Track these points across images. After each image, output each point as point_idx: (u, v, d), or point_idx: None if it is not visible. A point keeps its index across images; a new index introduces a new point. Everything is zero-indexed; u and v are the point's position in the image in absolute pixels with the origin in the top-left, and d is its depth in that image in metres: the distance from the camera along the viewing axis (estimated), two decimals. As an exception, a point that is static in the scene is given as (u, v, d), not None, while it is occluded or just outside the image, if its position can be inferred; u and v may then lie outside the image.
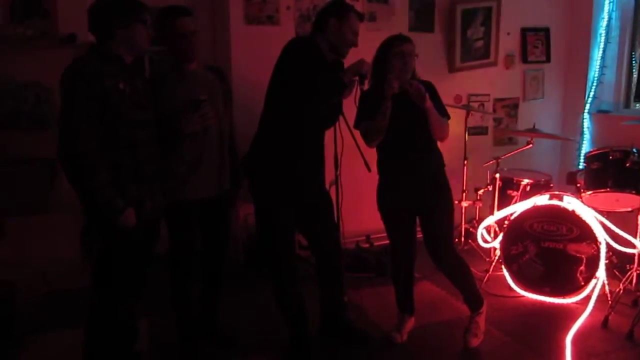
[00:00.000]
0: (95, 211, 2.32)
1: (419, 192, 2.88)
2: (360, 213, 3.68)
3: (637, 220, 3.48)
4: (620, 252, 3.66)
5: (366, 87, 2.71)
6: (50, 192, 3.54)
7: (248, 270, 4.01)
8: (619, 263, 3.75)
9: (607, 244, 3.46)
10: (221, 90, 2.80)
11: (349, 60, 2.73)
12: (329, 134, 3.03)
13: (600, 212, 3.57)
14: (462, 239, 4.39)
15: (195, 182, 2.68)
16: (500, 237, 3.68)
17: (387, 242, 3.10)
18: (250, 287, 3.76)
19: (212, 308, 3.04)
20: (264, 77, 2.76)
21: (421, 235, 2.96)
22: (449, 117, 2.91)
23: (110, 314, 2.48)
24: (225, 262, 3.00)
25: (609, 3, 4.70)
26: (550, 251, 3.47)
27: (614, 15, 4.72)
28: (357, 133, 2.95)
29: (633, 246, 3.52)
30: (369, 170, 2.89)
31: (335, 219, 3.24)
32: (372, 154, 2.97)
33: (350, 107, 2.88)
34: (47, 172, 3.52)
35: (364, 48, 2.80)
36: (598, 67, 4.80)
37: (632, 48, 4.78)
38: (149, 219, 2.45)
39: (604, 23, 4.73)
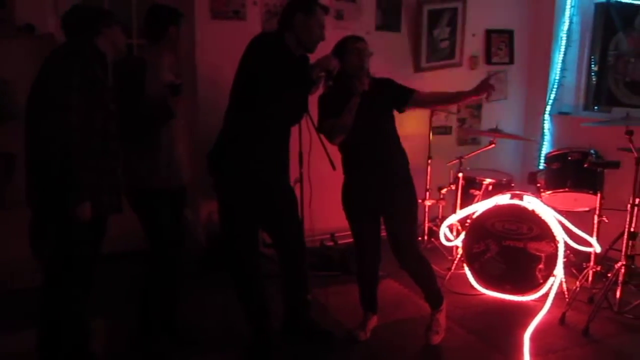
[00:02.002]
0: (49, 203, 2.30)
1: (383, 191, 2.89)
2: (325, 211, 3.67)
3: (593, 219, 3.58)
4: (578, 250, 3.75)
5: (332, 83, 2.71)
6: (7, 187, 3.42)
7: (208, 269, 3.95)
8: (577, 261, 3.85)
9: (565, 243, 3.54)
10: None
11: (315, 56, 2.71)
12: (294, 132, 3.02)
13: (559, 212, 3.66)
14: (426, 238, 4.43)
15: (169, 170, 2.74)
16: (462, 236, 3.72)
17: (352, 240, 3.10)
18: (210, 285, 3.70)
19: (172, 305, 3.00)
20: (229, 73, 2.72)
21: (384, 233, 2.98)
22: (413, 90, 2.90)
23: (63, 315, 2.43)
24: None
25: (570, 8, 4.81)
26: (511, 250, 3.54)
27: (574, 19, 4.84)
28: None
29: (590, 245, 3.62)
30: (334, 168, 2.88)
31: (300, 216, 3.22)
32: (338, 152, 2.97)
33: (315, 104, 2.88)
34: (3, 165, 3.41)
35: (332, 46, 2.80)
36: (559, 70, 4.91)
37: (592, 52, 4.91)
38: (102, 215, 2.42)
39: (565, 27, 4.84)
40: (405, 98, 2.88)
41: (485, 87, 2.80)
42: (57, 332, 2.44)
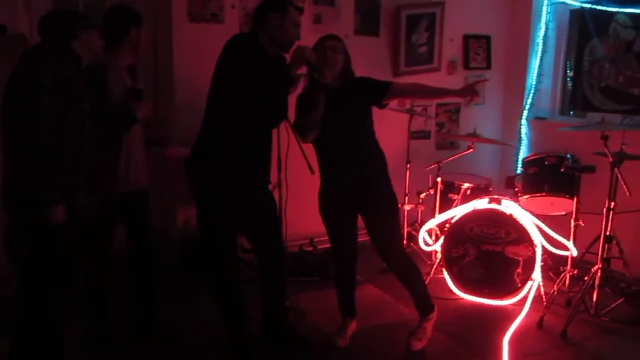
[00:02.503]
0: (22, 206, 2.26)
1: (359, 190, 2.86)
2: (304, 216, 3.65)
3: (570, 223, 3.61)
4: (555, 254, 3.78)
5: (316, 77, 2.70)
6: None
7: (185, 274, 3.89)
8: (554, 265, 3.88)
9: (543, 247, 3.56)
10: None
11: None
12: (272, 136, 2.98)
13: (537, 216, 3.68)
14: (405, 242, 4.43)
15: (130, 174, 2.78)
16: (441, 240, 3.73)
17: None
18: (187, 291, 3.65)
19: (151, 307, 3.03)
20: (207, 76, 2.69)
21: (363, 238, 2.96)
22: (390, 83, 2.88)
23: (38, 322, 2.35)
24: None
25: (547, 14, 4.86)
26: (489, 254, 3.55)
27: (550, 25, 4.90)
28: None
29: (567, 249, 3.65)
30: (312, 172, 2.86)
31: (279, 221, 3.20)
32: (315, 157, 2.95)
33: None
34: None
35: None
36: (536, 75, 4.96)
37: (567, 57, 4.97)
38: (79, 218, 2.37)
39: (542, 33, 4.89)
40: (382, 92, 2.83)
41: (470, 92, 2.81)
42: (30, 340, 2.38)
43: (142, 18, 2.80)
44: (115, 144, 2.71)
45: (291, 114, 2.87)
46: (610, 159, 3.25)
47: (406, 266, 3.00)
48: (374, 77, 2.91)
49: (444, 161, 4.20)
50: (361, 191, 2.86)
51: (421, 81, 4.69)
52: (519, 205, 3.69)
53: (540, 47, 4.90)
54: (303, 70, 2.68)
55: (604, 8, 4.48)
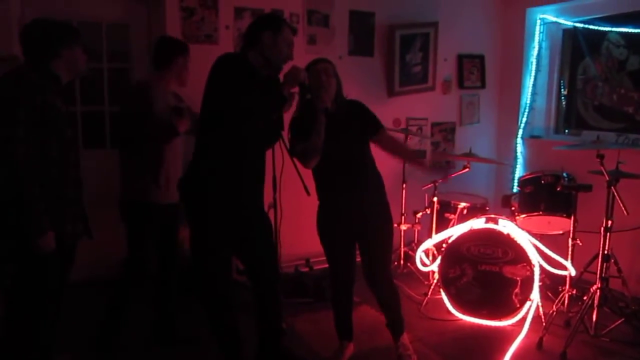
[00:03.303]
0: (8, 234, 2.21)
1: (358, 214, 2.84)
2: (300, 236, 3.61)
3: (568, 242, 3.58)
4: (553, 274, 3.75)
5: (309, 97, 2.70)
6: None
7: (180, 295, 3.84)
8: (552, 285, 3.85)
9: (541, 266, 3.53)
10: None
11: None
12: (267, 156, 2.96)
13: (534, 235, 3.66)
14: (402, 262, 4.40)
15: (170, 187, 2.94)
16: (438, 261, 3.69)
17: (327, 265, 3.04)
18: (183, 311, 3.59)
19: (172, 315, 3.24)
20: (201, 96, 2.66)
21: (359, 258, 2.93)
22: (382, 126, 2.90)
23: (24, 348, 2.30)
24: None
25: (540, 33, 4.91)
26: (486, 274, 3.51)
27: (544, 44, 4.94)
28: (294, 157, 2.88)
29: (565, 268, 3.62)
30: (308, 194, 2.83)
31: (274, 242, 3.16)
32: (311, 177, 2.92)
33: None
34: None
35: (304, 71, 2.77)
36: (530, 93, 4.98)
37: (561, 76, 5.00)
38: (67, 245, 2.33)
39: (535, 52, 4.93)
40: (374, 131, 2.87)
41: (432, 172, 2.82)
42: None
43: (187, 49, 3.11)
44: (158, 156, 2.94)
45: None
46: (607, 178, 3.24)
47: (392, 289, 3.02)
48: (366, 105, 2.91)
49: (440, 180, 4.19)
50: (361, 214, 2.84)
51: (416, 101, 4.81)
52: (516, 224, 3.66)
53: (533, 66, 4.94)
54: (295, 89, 2.66)
55: (596, 27, 4.52)
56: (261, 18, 2.75)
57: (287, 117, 2.82)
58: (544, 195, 3.72)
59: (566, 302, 3.60)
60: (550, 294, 3.78)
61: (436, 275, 3.74)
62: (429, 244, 4.01)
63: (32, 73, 2.26)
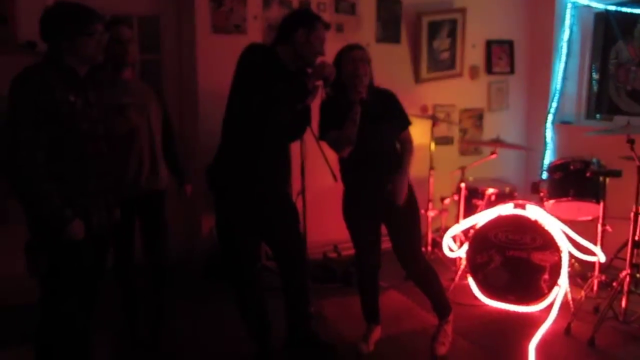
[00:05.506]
0: (40, 224, 2.25)
1: (381, 196, 2.87)
2: (328, 222, 3.66)
3: (597, 228, 3.56)
4: (582, 260, 3.73)
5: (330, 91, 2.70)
6: (8, 202, 3.42)
7: (208, 283, 3.95)
8: (581, 271, 3.82)
9: (569, 252, 3.51)
10: (155, 100, 2.97)
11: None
12: (294, 143, 3.01)
13: (563, 221, 3.63)
14: (429, 248, 4.41)
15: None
16: (465, 247, 3.70)
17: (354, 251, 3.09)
18: (211, 300, 3.68)
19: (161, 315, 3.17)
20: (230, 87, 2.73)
21: (387, 245, 2.97)
22: (410, 123, 2.93)
23: (59, 331, 2.38)
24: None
25: (570, 17, 4.83)
26: (514, 260, 3.51)
27: (574, 29, 4.85)
28: (322, 141, 2.92)
29: (594, 254, 3.59)
30: (335, 180, 2.88)
31: (302, 229, 3.21)
32: (336, 162, 2.96)
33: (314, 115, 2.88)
34: (5, 180, 3.41)
35: (331, 59, 2.80)
36: (560, 79, 4.91)
37: (592, 61, 4.92)
38: (96, 234, 2.37)
39: (565, 36, 4.85)
40: (401, 128, 2.93)
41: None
42: (53, 348, 2.39)
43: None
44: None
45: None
46: (637, 163, 3.20)
47: (428, 272, 3.01)
48: (396, 95, 2.94)
49: (468, 167, 4.18)
50: (384, 199, 2.87)
51: (444, 87, 4.79)
52: (545, 210, 3.64)
53: (564, 51, 4.86)
54: (320, 82, 2.69)
55: (629, 10, 4.43)
56: (295, 14, 2.78)
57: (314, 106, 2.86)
58: (574, 181, 3.68)
59: (595, 288, 3.59)
60: (579, 280, 3.75)
61: (463, 261, 3.76)
62: (456, 230, 4.02)
63: (41, 70, 2.20)
